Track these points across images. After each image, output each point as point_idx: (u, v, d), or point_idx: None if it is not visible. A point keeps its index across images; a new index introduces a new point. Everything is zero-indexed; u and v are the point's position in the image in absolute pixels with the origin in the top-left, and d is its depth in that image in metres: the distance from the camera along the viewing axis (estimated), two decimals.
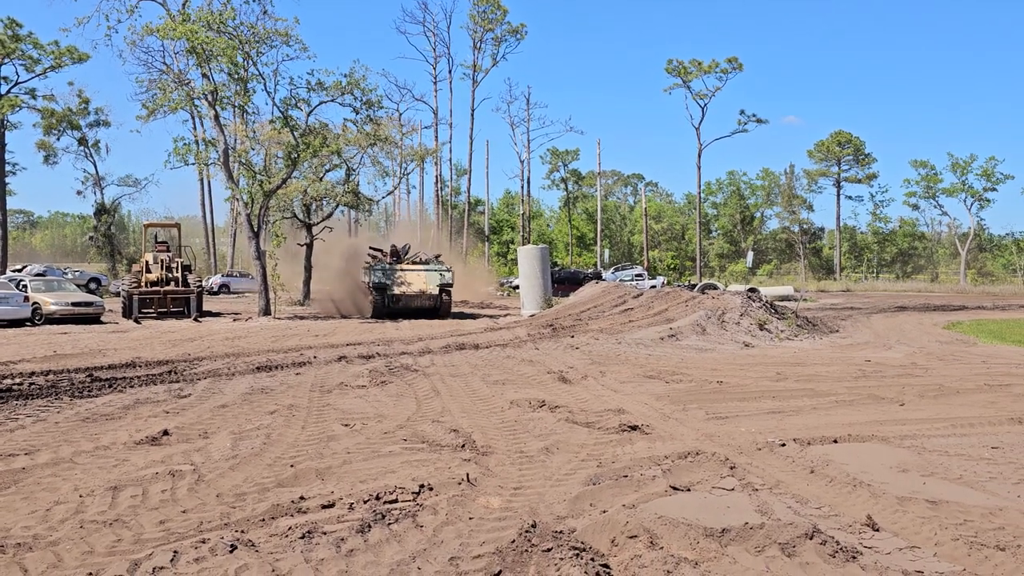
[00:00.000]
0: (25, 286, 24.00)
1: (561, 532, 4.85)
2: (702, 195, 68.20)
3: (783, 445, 7.33)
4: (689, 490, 5.87)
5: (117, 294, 30.17)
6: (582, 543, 4.66)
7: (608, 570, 4.30)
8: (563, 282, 40.17)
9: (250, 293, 38.48)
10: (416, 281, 25.31)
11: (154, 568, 4.30)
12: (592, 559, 4.39)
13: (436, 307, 25.77)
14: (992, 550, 4.62)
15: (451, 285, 26.18)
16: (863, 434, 7.87)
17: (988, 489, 5.99)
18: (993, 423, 8.53)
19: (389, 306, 25.14)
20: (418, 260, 27.38)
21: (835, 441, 7.57)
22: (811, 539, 4.59)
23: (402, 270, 25.55)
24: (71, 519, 5.16)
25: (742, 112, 60.91)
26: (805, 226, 76.03)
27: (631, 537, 4.74)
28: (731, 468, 6.47)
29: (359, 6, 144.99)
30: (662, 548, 4.55)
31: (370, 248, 28.56)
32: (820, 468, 6.50)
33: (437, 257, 28.81)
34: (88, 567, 4.36)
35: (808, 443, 7.46)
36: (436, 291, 25.37)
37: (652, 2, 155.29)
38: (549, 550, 4.51)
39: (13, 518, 5.20)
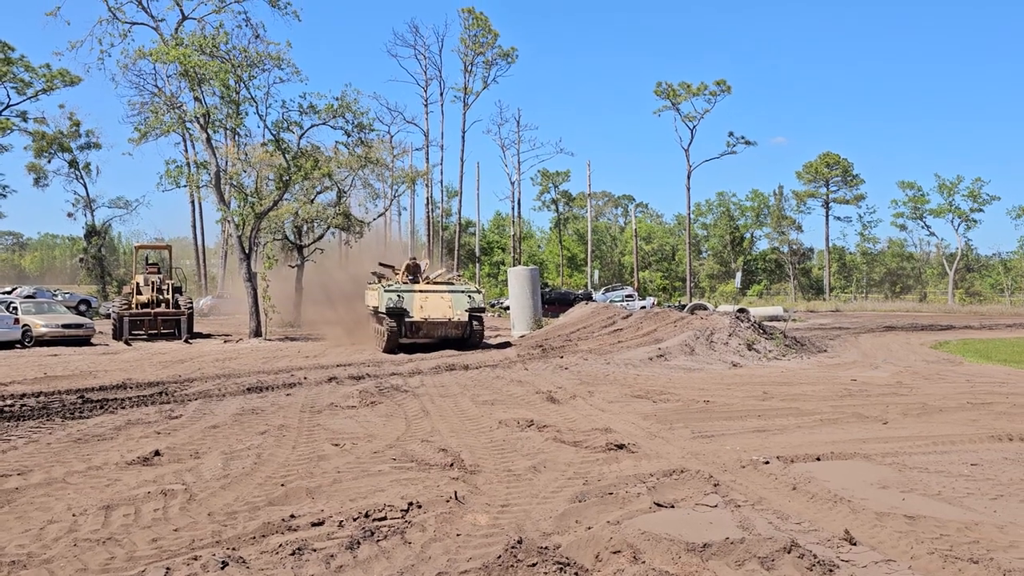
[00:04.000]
0: (15, 308, 23.99)
1: (546, 548, 4.95)
2: (692, 216, 68.73)
3: (767, 463, 7.46)
4: (673, 507, 5.98)
5: (107, 316, 30.13)
6: (566, 558, 4.76)
7: None
8: (553, 303, 40.37)
9: (239, 314, 38.43)
10: (440, 305, 20.69)
11: None
12: (576, 573, 4.50)
13: (465, 337, 21.28)
14: (965, 563, 4.75)
15: (483, 310, 21.88)
16: (846, 452, 8.01)
17: (966, 504, 6.12)
18: (974, 440, 8.68)
19: (407, 335, 20.52)
20: (440, 279, 23.12)
21: (818, 459, 7.70)
22: (789, 553, 4.71)
23: (422, 291, 20.83)
24: (65, 537, 5.24)
25: (731, 134, 61.55)
26: (794, 247, 76.58)
27: (615, 552, 4.85)
28: (715, 485, 6.59)
29: (351, 30, 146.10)
30: (644, 563, 4.67)
31: (380, 264, 24.43)
32: (802, 485, 6.62)
33: (459, 276, 25.28)
34: None
35: (791, 461, 7.59)
36: (464, 317, 20.78)
37: (642, 25, 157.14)
38: (534, 565, 4.62)
39: (7, 537, 5.27)
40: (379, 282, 22.02)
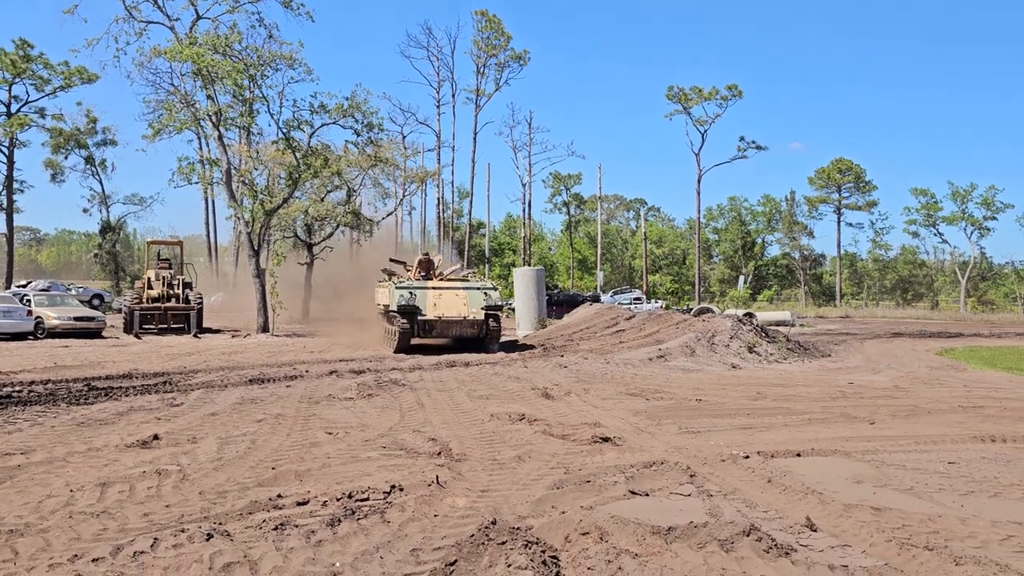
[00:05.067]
0: (29, 300, 24.45)
1: (518, 529, 5.16)
2: (703, 220, 68.79)
3: (747, 457, 7.63)
4: (647, 495, 6.17)
5: (119, 310, 30.55)
6: (536, 538, 4.97)
7: (556, 561, 4.62)
8: (562, 304, 40.49)
9: (249, 311, 38.78)
10: (455, 303, 19.56)
11: (135, 552, 4.64)
12: (542, 551, 4.71)
13: (480, 336, 20.10)
14: (920, 550, 4.92)
15: (499, 308, 20.60)
16: (827, 449, 8.17)
17: (934, 499, 6.28)
18: (956, 440, 8.82)
19: (420, 335, 19.51)
20: (454, 276, 22.04)
21: (798, 455, 7.86)
22: (748, 536, 4.91)
23: (435, 288, 19.71)
24: (61, 510, 5.51)
25: (742, 139, 61.71)
26: (806, 252, 76.44)
27: (583, 534, 5.06)
28: (691, 476, 6.78)
29: (364, 30, 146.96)
30: (609, 543, 4.87)
31: (390, 260, 23.42)
32: (778, 478, 6.79)
33: (473, 273, 24.19)
34: (74, 550, 4.69)
35: (772, 456, 7.76)
36: (480, 316, 19.61)
37: (655, 29, 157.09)
38: (504, 543, 4.83)
39: (7, 508, 5.54)
40: (390, 279, 20.88)
